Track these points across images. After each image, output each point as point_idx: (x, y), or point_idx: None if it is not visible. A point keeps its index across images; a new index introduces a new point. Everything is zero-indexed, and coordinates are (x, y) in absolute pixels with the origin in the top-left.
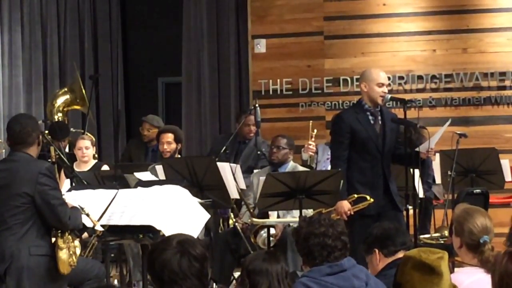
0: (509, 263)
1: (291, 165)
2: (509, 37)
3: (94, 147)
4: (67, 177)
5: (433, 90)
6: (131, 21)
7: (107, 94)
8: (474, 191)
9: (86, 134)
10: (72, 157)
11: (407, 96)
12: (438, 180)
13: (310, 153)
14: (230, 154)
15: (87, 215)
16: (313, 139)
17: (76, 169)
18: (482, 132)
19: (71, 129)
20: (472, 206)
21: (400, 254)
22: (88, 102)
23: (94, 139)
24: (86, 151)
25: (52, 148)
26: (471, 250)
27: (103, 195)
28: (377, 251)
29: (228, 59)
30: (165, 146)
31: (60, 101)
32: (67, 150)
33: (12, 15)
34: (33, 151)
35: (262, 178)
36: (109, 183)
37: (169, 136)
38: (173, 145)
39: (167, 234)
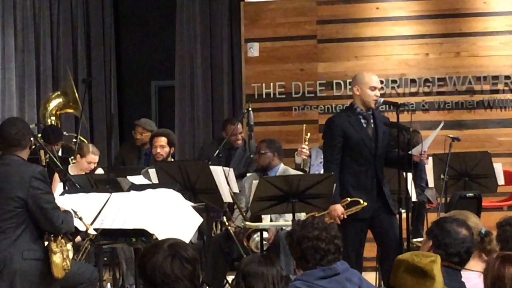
0: (501, 267)
1: (281, 168)
2: (502, 40)
3: None
4: (60, 181)
5: (426, 93)
6: (124, 25)
7: (100, 98)
8: (467, 194)
9: (93, 145)
10: (65, 161)
11: (400, 100)
12: (431, 183)
13: (303, 156)
14: (222, 159)
15: (80, 218)
16: (306, 142)
17: (72, 173)
18: (475, 136)
19: (64, 132)
20: (452, 211)
21: (444, 263)
22: (81, 105)
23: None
24: (94, 165)
25: (42, 152)
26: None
27: (96, 198)
28: (431, 243)
29: (221, 62)
30: (158, 150)
31: (53, 104)
32: (60, 153)
33: (5, 18)
34: (25, 154)
35: (255, 182)
36: (102, 187)
37: (162, 140)
38: (166, 149)
39: (160, 237)
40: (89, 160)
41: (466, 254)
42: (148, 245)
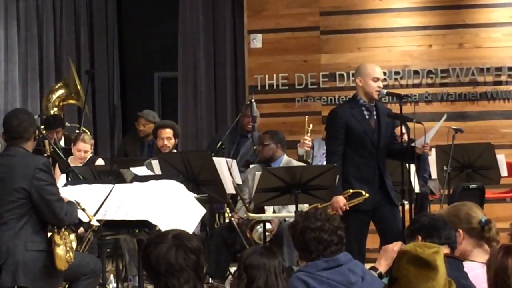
0: (504, 258)
1: (285, 160)
2: (505, 32)
3: (92, 146)
4: (62, 172)
5: (429, 85)
6: (127, 16)
7: (103, 89)
8: (470, 186)
9: (86, 134)
10: (67, 152)
11: (403, 91)
12: (434, 175)
13: (306, 148)
14: (231, 147)
15: (83, 210)
16: (309, 134)
17: (72, 164)
18: (478, 127)
19: (67, 123)
20: (455, 203)
21: (443, 249)
22: (84, 97)
23: (93, 140)
24: (85, 154)
25: (46, 142)
26: (473, 236)
27: (99, 190)
28: (420, 238)
29: (224, 54)
30: (165, 142)
31: (56, 95)
32: (62, 144)
33: (8, 9)
34: (29, 146)
35: (258, 173)
36: (105, 178)
37: (168, 132)
38: (172, 141)
39: (163, 229)
40: (79, 148)
41: (455, 234)
42: (152, 236)
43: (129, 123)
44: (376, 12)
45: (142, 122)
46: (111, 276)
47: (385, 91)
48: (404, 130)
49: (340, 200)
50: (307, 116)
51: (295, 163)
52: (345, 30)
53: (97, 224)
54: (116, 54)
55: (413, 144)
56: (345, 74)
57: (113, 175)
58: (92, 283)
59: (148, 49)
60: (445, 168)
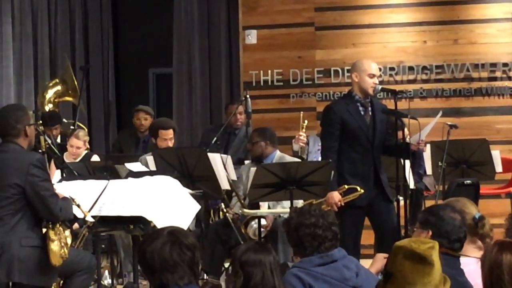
0: (499, 254)
1: (277, 156)
2: (499, 28)
3: (87, 143)
4: (57, 168)
5: (424, 81)
6: (122, 12)
7: (98, 85)
8: (465, 182)
9: (82, 130)
10: (63, 148)
11: (398, 87)
12: (429, 171)
13: (301, 144)
14: (220, 145)
15: (78, 206)
16: (304, 130)
17: (66, 159)
18: (473, 123)
19: (63, 119)
20: (450, 198)
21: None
22: (79, 93)
23: (87, 137)
24: (77, 150)
25: (42, 138)
26: (468, 232)
27: (93, 186)
28: (430, 233)
29: (219, 50)
30: (169, 143)
31: (51, 92)
32: (58, 140)
33: (2, 5)
34: (22, 142)
35: (253, 169)
36: (100, 174)
37: (171, 133)
38: (173, 140)
39: (158, 224)
40: (71, 144)
41: (465, 238)
42: (149, 232)
43: (124, 119)
44: (371, 8)
45: (142, 116)
46: (106, 272)
47: (380, 87)
48: (404, 133)
49: (335, 196)
50: (302, 112)
51: (289, 158)
52: (340, 26)
53: (92, 220)
54: (111, 50)
55: (408, 141)
56: (340, 70)
57: (108, 171)
58: (87, 279)
59: (143, 45)
60: (440, 164)
